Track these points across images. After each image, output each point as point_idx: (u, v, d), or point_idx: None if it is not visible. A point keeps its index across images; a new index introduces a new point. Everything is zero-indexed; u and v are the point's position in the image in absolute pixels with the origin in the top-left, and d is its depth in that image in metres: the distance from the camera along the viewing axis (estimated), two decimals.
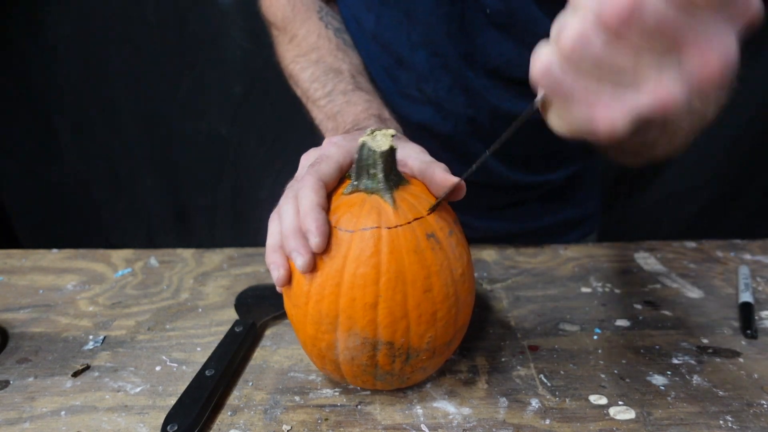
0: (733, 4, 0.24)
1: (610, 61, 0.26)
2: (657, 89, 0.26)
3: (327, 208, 0.39)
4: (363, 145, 0.39)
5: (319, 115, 0.59)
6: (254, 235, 0.60)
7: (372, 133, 0.39)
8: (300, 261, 0.38)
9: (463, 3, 0.61)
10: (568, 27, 0.26)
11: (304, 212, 0.38)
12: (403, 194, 0.40)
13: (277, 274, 0.40)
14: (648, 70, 0.25)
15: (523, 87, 0.65)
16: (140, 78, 1.24)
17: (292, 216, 0.39)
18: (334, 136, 0.44)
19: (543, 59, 0.28)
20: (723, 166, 1.27)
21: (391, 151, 0.39)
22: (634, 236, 0.75)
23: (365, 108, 0.54)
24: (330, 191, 0.41)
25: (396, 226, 0.37)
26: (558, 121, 0.30)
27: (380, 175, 0.39)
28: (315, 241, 0.37)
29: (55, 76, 1.24)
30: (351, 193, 0.40)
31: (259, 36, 1.16)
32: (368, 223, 0.37)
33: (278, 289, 0.41)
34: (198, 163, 1.33)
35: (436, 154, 0.44)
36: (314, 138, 0.48)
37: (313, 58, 0.64)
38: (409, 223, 0.38)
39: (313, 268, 0.38)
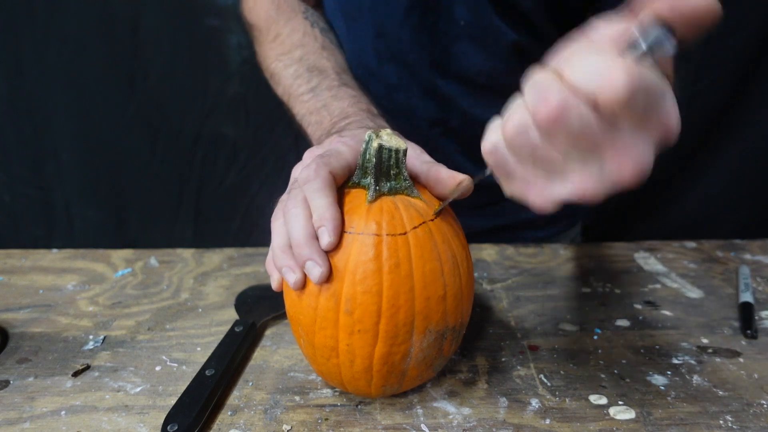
0: (652, 121, 0.27)
1: (543, 152, 0.29)
2: (580, 182, 0.29)
3: (339, 203, 0.38)
4: (380, 148, 0.37)
5: (301, 110, 0.57)
6: None
7: (377, 135, 0.38)
8: (317, 272, 0.36)
9: (436, 15, 0.61)
10: (512, 116, 0.29)
11: (320, 214, 0.36)
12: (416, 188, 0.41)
13: (293, 278, 0.37)
14: (574, 164, 0.29)
15: (492, 94, 0.66)
16: (78, 88, 1.01)
17: (303, 220, 0.37)
18: (342, 137, 0.42)
19: (491, 139, 0.32)
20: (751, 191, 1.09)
21: (406, 148, 0.39)
22: None
23: (352, 102, 0.53)
24: (343, 202, 0.39)
25: (435, 217, 0.38)
26: (504, 188, 0.34)
27: (405, 173, 0.39)
28: (329, 240, 0.36)
29: None
30: (375, 199, 0.38)
31: (224, 44, 0.99)
32: (414, 222, 0.37)
33: (275, 288, 0.39)
34: (151, 192, 1.10)
35: None
36: (298, 153, 0.44)
37: (297, 56, 0.62)
38: (440, 211, 0.39)
39: (328, 278, 0.36)
